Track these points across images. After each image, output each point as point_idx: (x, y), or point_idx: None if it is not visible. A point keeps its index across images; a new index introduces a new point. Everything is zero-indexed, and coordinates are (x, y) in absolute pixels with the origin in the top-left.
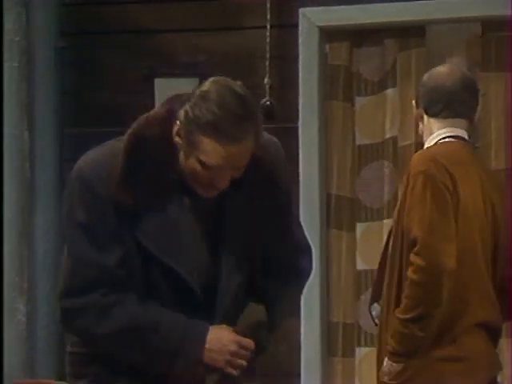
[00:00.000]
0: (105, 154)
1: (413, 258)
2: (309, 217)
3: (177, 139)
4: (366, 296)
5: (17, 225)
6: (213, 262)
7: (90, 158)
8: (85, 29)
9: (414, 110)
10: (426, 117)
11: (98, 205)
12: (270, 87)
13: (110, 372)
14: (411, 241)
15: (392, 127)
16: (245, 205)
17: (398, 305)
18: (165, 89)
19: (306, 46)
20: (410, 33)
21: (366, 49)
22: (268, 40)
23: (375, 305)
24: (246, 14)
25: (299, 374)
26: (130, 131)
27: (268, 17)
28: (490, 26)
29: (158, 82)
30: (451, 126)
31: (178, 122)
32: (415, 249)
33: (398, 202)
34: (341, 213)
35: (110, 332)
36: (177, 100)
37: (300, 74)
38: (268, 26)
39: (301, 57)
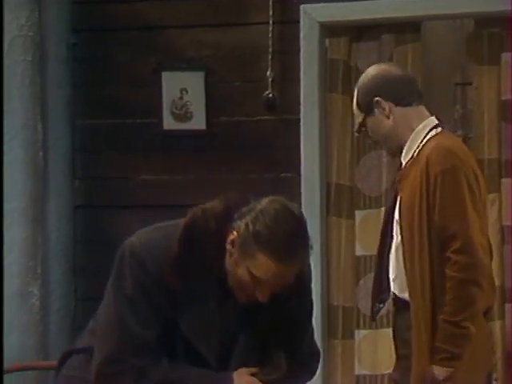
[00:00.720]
0: (159, 237)
1: (455, 256)
2: (309, 205)
3: (229, 247)
4: (365, 280)
5: (31, 212)
6: (232, 339)
7: (145, 237)
8: (95, 25)
9: (358, 111)
10: (397, 109)
11: (147, 282)
12: (273, 80)
13: None
14: (447, 238)
15: None
16: (272, 307)
17: (432, 306)
18: (172, 82)
19: (307, 40)
20: (406, 28)
21: (364, 44)
22: (270, 35)
23: (380, 305)
24: (249, 11)
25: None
26: (186, 220)
27: (271, 13)
28: (483, 22)
29: (166, 76)
30: (426, 114)
31: (234, 232)
32: (455, 247)
33: (404, 198)
34: (340, 201)
35: None
36: (234, 200)
37: (301, 68)
38: (271, 22)
39: (302, 51)
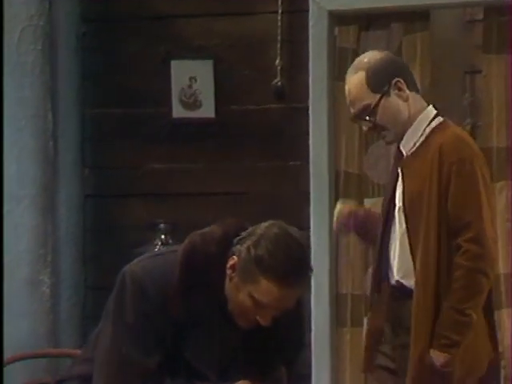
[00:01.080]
0: (160, 264)
1: (467, 245)
2: (318, 193)
3: (229, 272)
4: None
5: (41, 200)
6: (231, 357)
7: (145, 264)
8: (105, 15)
9: (367, 93)
10: (411, 94)
11: (148, 309)
12: (281, 69)
13: None
14: (460, 227)
15: None
16: (272, 333)
17: (437, 293)
18: (180, 70)
19: (316, 29)
20: (415, 17)
21: (372, 32)
22: (279, 24)
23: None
24: (258, 0)
25: (309, 344)
26: (186, 246)
27: (280, 2)
28: (492, 10)
29: (175, 64)
30: (425, 102)
31: (234, 257)
32: (468, 236)
33: (411, 186)
34: (349, 189)
35: None
36: (232, 224)
37: (310, 56)
38: (280, 11)
39: (311, 40)
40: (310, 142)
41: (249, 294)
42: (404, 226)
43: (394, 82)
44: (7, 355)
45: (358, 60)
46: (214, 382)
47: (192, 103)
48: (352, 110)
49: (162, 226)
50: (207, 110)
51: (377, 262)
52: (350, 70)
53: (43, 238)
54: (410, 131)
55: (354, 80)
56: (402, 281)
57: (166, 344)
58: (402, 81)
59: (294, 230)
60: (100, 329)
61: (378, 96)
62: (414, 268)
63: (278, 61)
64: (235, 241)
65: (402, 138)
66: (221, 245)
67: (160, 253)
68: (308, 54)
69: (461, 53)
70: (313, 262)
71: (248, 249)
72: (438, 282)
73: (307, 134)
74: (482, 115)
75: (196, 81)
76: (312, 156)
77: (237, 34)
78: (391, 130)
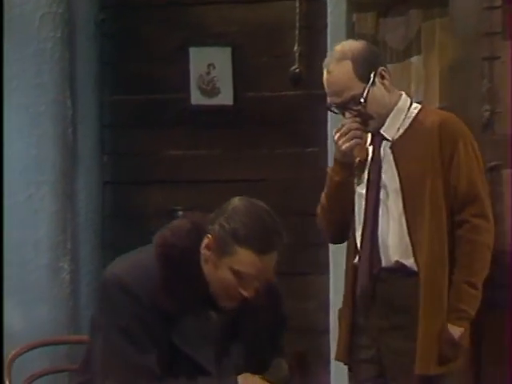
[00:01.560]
0: (139, 264)
1: (476, 220)
2: None
3: (205, 251)
4: None
5: (60, 187)
6: (227, 348)
7: (125, 266)
8: (123, 2)
9: (355, 82)
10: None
11: (138, 308)
12: (300, 55)
13: None
14: (467, 202)
15: (417, 93)
16: (256, 316)
17: (443, 269)
18: (199, 57)
19: (334, 16)
20: (434, 3)
21: (391, 19)
22: (298, 11)
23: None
24: None
25: (328, 331)
26: (157, 241)
27: None
28: None
29: (193, 51)
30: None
31: (209, 236)
32: (476, 211)
33: (407, 167)
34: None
35: None
36: (198, 216)
37: (328, 43)
38: None
39: (329, 26)
40: (328, 128)
41: (229, 267)
42: (401, 206)
43: (379, 70)
44: (27, 341)
45: (337, 51)
46: (214, 376)
47: (210, 90)
48: (336, 100)
49: (179, 212)
50: (225, 97)
51: (369, 247)
52: (329, 61)
53: (62, 225)
54: (391, 116)
55: (341, 69)
56: (401, 261)
57: (161, 340)
58: (385, 69)
59: (260, 202)
60: (91, 345)
61: (365, 85)
62: (412, 247)
63: (296, 47)
64: (207, 223)
65: (381, 125)
66: (192, 234)
67: (135, 253)
68: (326, 40)
69: (479, 39)
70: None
71: (221, 225)
72: (449, 258)
73: (325, 120)
74: (500, 102)
75: (214, 68)
76: (330, 142)
77: (255, 21)
78: (376, 119)
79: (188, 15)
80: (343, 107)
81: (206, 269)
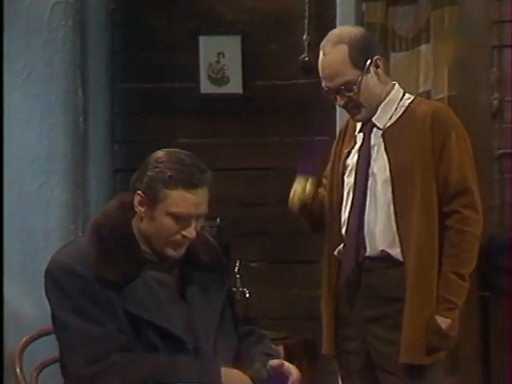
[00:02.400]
0: (76, 248)
1: (467, 211)
2: None
3: (139, 209)
4: None
5: (71, 175)
6: (191, 319)
7: (66, 252)
8: None
9: (350, 69)
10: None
11: (85, 287)
12: (309, 44)
13: None
14: (458, 193)
15: (426, 81)
16: (198, 274)
17: (430, 259)
18: (209, 46)
19: (344, 5)
20: None
21: (400, 7)
22: (307, 0)
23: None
24: None
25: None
26: (90, 225)
27: None
28: None
29: (203, 40)
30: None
31: (138, 192)
32: (467, 202)
33: (399, 156)
34: None
35: (138, 382)
36: (126, 195)
37: None
38: None
39: (338, 15)
40: (337, 117)
41: (165, 213)
42: (390, 195)
43: (374, 59)
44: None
45: (335, 34)
46: (190, 353)
47: (220, 79)
48: (329, 84)
49: None
50: (235, 86)
51: (355, 235)
52: (326, 43)
53: (74, 213)
54: (382, 106)
55: (337, 53)
56: (387, 250)
57: (116, 311)
58: (381, 59)
59: (178, 149)
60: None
61: (359, 72)
62: (399, 237)
63: (305, 36)
64: (134, 183)
65: (373, 115)
66: (121, 212)
67: (72, 240)
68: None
69: (488, 27)
70: None
71: (147, 176)
72: (432, 249)
73: (334, 108)
74: (509, 90)
75: (224, 56)
76: (339, 131)
77: (265, 10)
78: (366, 108)
79: (198, 4)
80: (335, 92)
81: (144, 226)
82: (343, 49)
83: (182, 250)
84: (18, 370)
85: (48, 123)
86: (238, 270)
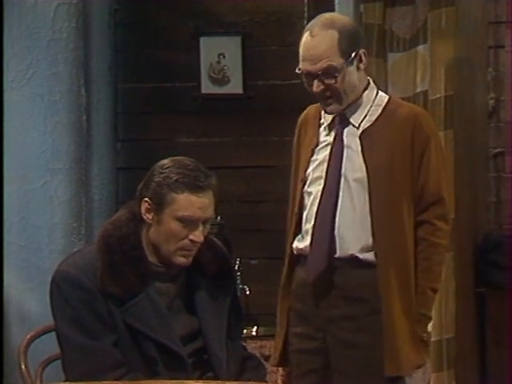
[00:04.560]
0: (83, 258)
1: (439, 223)
2: None
3: (146, 216)
4: None
5: (75, 174)
6: (191, 329)
7: (72, 261)
8: None
9: (336, 57)
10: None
11: (88, 298)
12: None
13: None
14: (431, 203)
15: (423, 82)
16: (205, 282)
17: (403, 266)
18: (210, 46)
19: (342, 5)
20: None
21: (398, 8)
22: (306, 1)
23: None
24: None
25: None
26: (100, 235)
27: None
28: None
29: (204, 41)
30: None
31: (145, 199)
32: (440, 213)
33: (376, 157)
34: None
35: None
36: (135, 204)
37: None
38: None
39: None
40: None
41: (172, 217)
42: (364, 197)
43: (361, 51)
44: (43, 325)
45: (326, 17)
46: (186, 364)
47: (221, 79)
48: (309, 67)
49: None
50: (235, 86)
51: (324, 236)
52: (315, 25)
53: (77, 211)
54: (358, 101)
55: (325, 36)
56: (357, 254)
57: (117, 324)
58: (365, 53)
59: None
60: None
61: (344, 61)
62: (374, 240)
63: None
64: (140, 192)
65: (345, 109)
66: (130, 222)
67: (79, 250)
68: None
69: (485, 28)
70: None
71: (154, 182)
72: (405, 256)
73: None
74: (505, 90)
75: (225, 57)
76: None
77: (265, 11)
78: (343, 99)
79: (199, 4)
80: (314, 77)
81: (152, 233)
82: (333, 34)
83: (191, 258)
84: (22, 366)
85: (52, 122)
86: (239, 267)
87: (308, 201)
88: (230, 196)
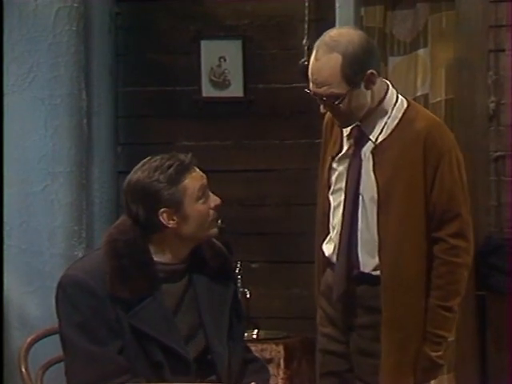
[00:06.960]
0: (91, 263)
1: (454, 241)
2: None
3: (171, 224)
4: None
5: (75, 177)
6: (195, 327)
7: (79, 266)
8: None
9: (340, 83)
10: (377, 80)
11: (95, 303)
12: (309, 48)
13: None
14: (447, 220)
15: (423, 85)
16: (207, 280)
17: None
18: (210, 50)
19: (343, 9)
20: None
21: (399, 12)
22: (307, 4)
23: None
24: None
25: None
26: (105, 240)
27: None
28: None
29: (205, 44)
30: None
31: (161, 210)
32: (454, 231)
33: (387, 174)
34: None
35: None
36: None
37: None
38: None
39: (337, 20)
40: None
41: (194, 200)
42: (376, 217)
43: (368, 73)
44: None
45: (331, 37)
46: (192, 368)
47: (221, 82)
48: (315, 89)
49: None
50: (236, 89)
51: (347, 255)
52: (321, 46)
53: (78, 214)
54: (374, 115)
55: (328, 61)
56: (371, 273)
57: (123, 329)
58: (375, 73)
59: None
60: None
61: (349, 87)
62: (379, 260)
63: (305, 40)
64: (134, 215)
65: (362, 121)
66: (134, 228)
67: (86, 255)
68: None
69: (485, 32)
70: None
71: (157, 195)
72: (424, 272)
73: None
74: (505, 93)
75: (225, 60)
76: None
77: (266, 15)
78: (350, 119)
79: (200, 8)
80: (320, 99)
81: (183, 231)
82: (337, 59)
83: (216, 229)
84: (23, 370)
85: (52, 126)
86: (239, 270)
87: (332, 206)
88: (231, 199)
